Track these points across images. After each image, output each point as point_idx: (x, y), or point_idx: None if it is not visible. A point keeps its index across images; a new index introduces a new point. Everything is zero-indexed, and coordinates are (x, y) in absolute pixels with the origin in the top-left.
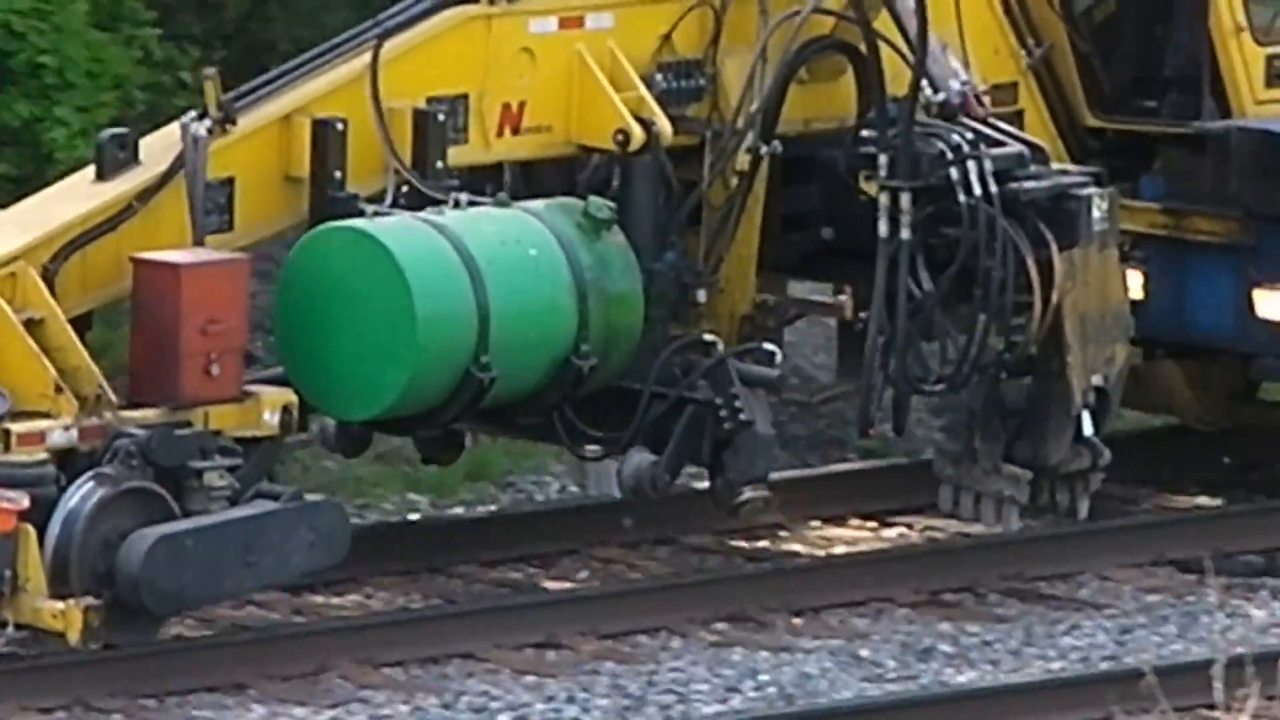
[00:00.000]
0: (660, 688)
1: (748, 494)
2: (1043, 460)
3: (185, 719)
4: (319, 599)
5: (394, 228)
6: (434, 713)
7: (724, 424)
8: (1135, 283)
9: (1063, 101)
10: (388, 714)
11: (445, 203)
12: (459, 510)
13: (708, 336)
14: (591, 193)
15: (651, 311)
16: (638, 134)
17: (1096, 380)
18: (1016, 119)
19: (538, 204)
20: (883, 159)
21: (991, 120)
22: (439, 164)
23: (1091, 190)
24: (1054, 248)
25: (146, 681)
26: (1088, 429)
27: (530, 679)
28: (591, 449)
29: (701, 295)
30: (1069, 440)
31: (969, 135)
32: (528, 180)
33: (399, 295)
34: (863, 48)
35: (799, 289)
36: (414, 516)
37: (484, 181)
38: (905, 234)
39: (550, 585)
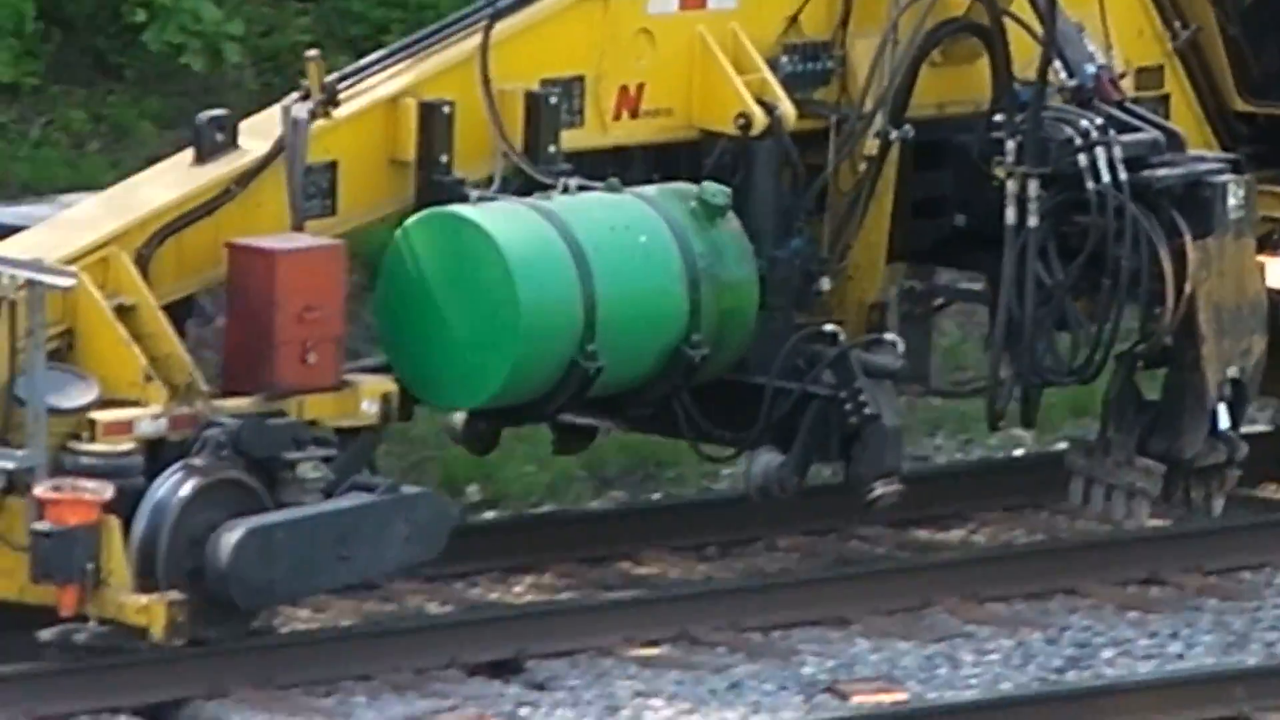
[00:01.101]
0: (1264, 624)
1: (879, 489)
2: (1177, 454)
3: (787, 649)
4: (923, 534)
5: (498, 213)
6: (1037, 647)
7: (849, 418)
8: None
9: (1210, 86)
10: (991, 648)
11: (554, 188)
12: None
13: (828, 327)
14: (717, 177)
15: (773, 300)
16: (760, 118)
17: (1232, 372)
18: (1162, 103)
19: (650, 189)
20: (1010, 144)
21: (1128, 105)
22: (550, 148)
23: (1227, 177)
24: (1188, 236)
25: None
26: (1224, 423)
27: (1133, 614)
28: (717, 448)
29: (826, 283)
30: (1204, 434)
31: (1099, 121)
32: (658, 164)
33: (502, 282)
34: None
35: (947, 275)
36: (1018, 452)
37: (604, 166)
38: (1033, 221)
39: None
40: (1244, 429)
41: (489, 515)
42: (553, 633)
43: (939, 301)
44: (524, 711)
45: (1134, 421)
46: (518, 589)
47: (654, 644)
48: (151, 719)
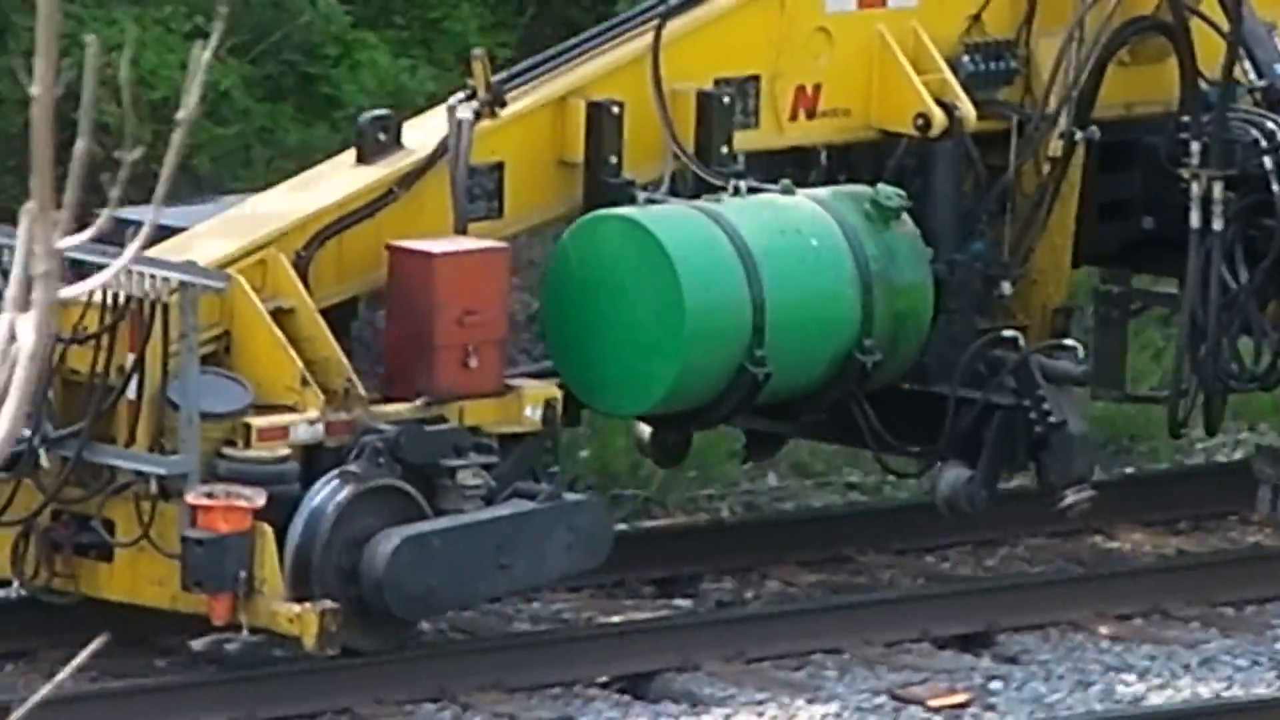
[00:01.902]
0: None
1: (1071, 497)
2: None
3: (1261, 624)
4: None
5: (664, 215)
6: None
7: (1034, 427)
8: None
9: None
10: None
11: (724, 189)
12: None
13: (1009, 332)
14: (898, 180)
15: (952, 304)
16: (939, 118)
17: None
18: None
19: (823, 191)
20: (1195, 146)
21: None
22: (723, 149)
23: None
24: None
25: None
26: None
27: None
28: (902, 460)
29: (1007, 287)
30: None
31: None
32: (842, 165)
33: (668, 285)
34: (1189, 29)
35: (1142, 280)
36: None
37: (781, 167)
38: (1218, 225)
39: None
40: None
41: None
42: (1023, 606)
43: (1135, 306)
44: (994, 685)
45: None
46: (989, 562)
47: (1125, 618)
48: (623, 689)
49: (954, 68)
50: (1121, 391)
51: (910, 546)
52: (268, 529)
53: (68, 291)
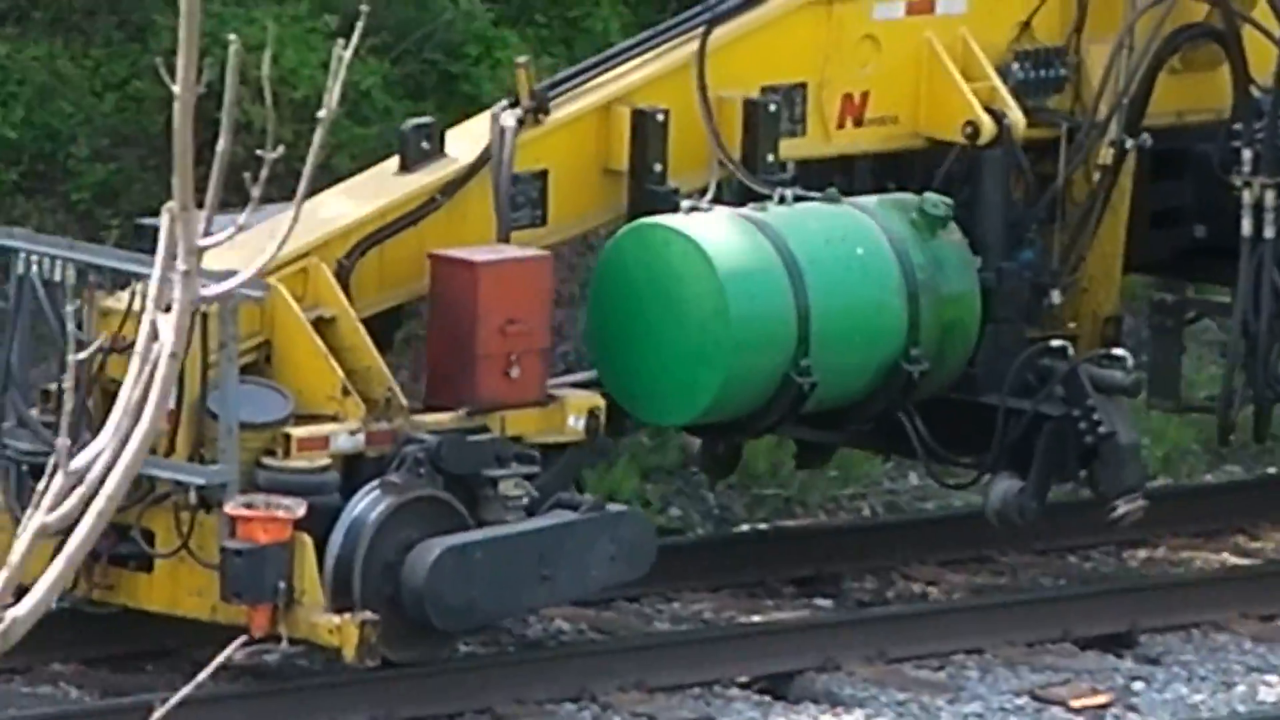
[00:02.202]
0: None
1: (1122, 507)
2: None
3: None
4: None
5: (709, 224)
6: None
7: (1084, 437)
8: None
9: None
10: None
11: (770, 198)
12: None
13: (1058, 342)
14: (947, 188)
15: (1001, 313)
16: (988, 126)
17: None
18: None
19: (869, 200)
20: (1246, 153)
21: None
22: (769, 157)
23: None
24: None
25: None
26: None
27: None
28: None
29: (1056, 296)
30: None
31: None
32: (889, 173)
33: (712, 294)
34: (1240, 35)
35: (1198, 288)
36: None
37: (830, 175)
38: (1269, 233)
39: None
40: None
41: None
42: (1166, 606)
43: (1190, 315)
44: (1136, 686)
45: None
46: (1131, 563)
47: (1269, 619)
48: (763, 689)
49: (1003, 75)
50: (1176, 401)
51: (1052, 546)
52: (307, 539)
53: (208, 292)
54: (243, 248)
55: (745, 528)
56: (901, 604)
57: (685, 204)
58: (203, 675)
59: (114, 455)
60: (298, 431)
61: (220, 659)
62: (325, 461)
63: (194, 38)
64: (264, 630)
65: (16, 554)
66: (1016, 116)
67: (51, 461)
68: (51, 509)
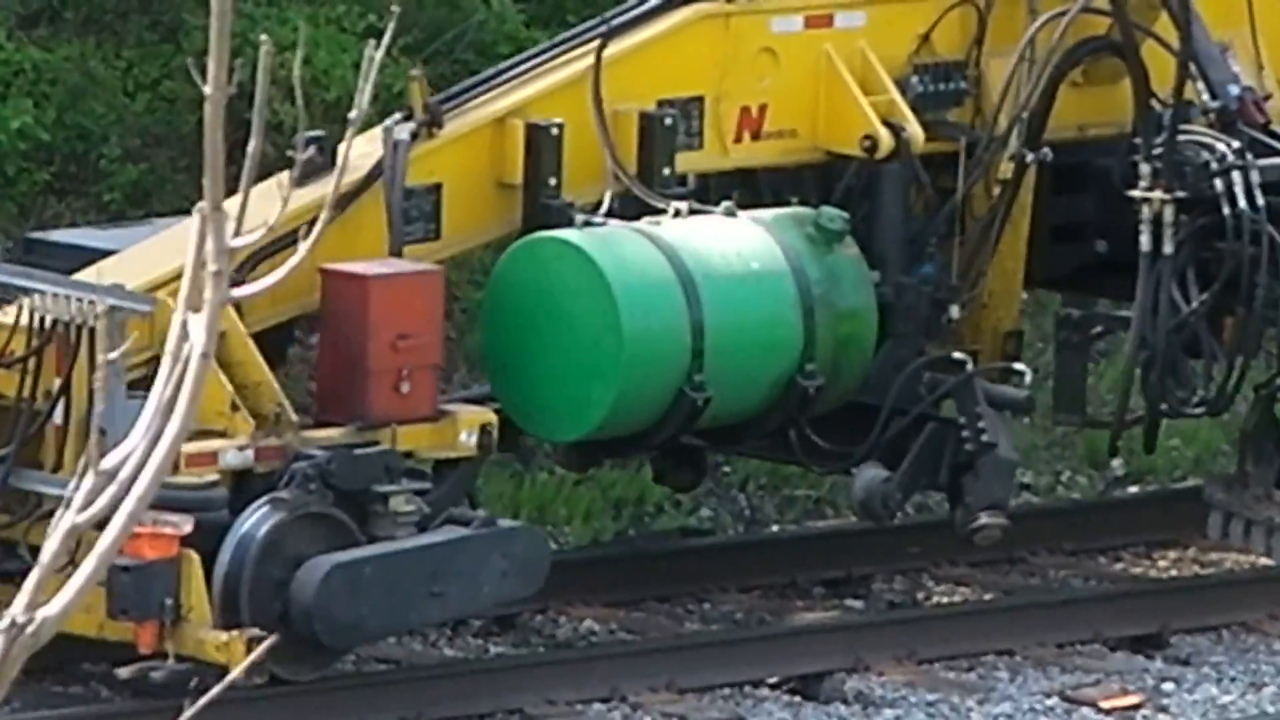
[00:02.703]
0: None
1: (985, 520)
2: None
3: None
4: None
5: (603, 238)
6: None
7: (965, 445)
8: None
9: None
10: None
11: (665, 212)
12: None
13: (957, 355)
14: (846, 201)
15: (900, 328)
16: (886, 140)
17: None
18: None
19: (766, 214)
20: (1145, 168)
21: (1271, 129)
22: (665, 171)
23: None
24: None
25: None
26: None
27: None
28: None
29: (955, 311)
30: None
31: (1236, 145)
32: (790, 187)
33: (605, 309)
34: (1138, 49)
35: (1106, 303)
36: None
37: (728, 189)
38: (1168, 248)
39: None
40: None
41: (1133, 490)
42: (1196, 608)
43: (1097, 330)
44: (1167, 687)
45: (1273, 455)
46: (1162, 563)
47: None
48: (793, 690)
49: (902, 88)
50: (1082, 416)
51: (1082, 547)
52: (195, 556)
53: (239, 292)
54: (133, 262)
55: (775, 529)
56: (931, 605)
57: (579, 218)
58: (235, 674)
59: (145, 455)
60: (186, 447)
61: (253, 657)
62: (214, 477)
63: (225, 38)
64: (151, 647)
65: (47, 554)
66: (915, 130)
67: (82, 461)
68: (82, 509)
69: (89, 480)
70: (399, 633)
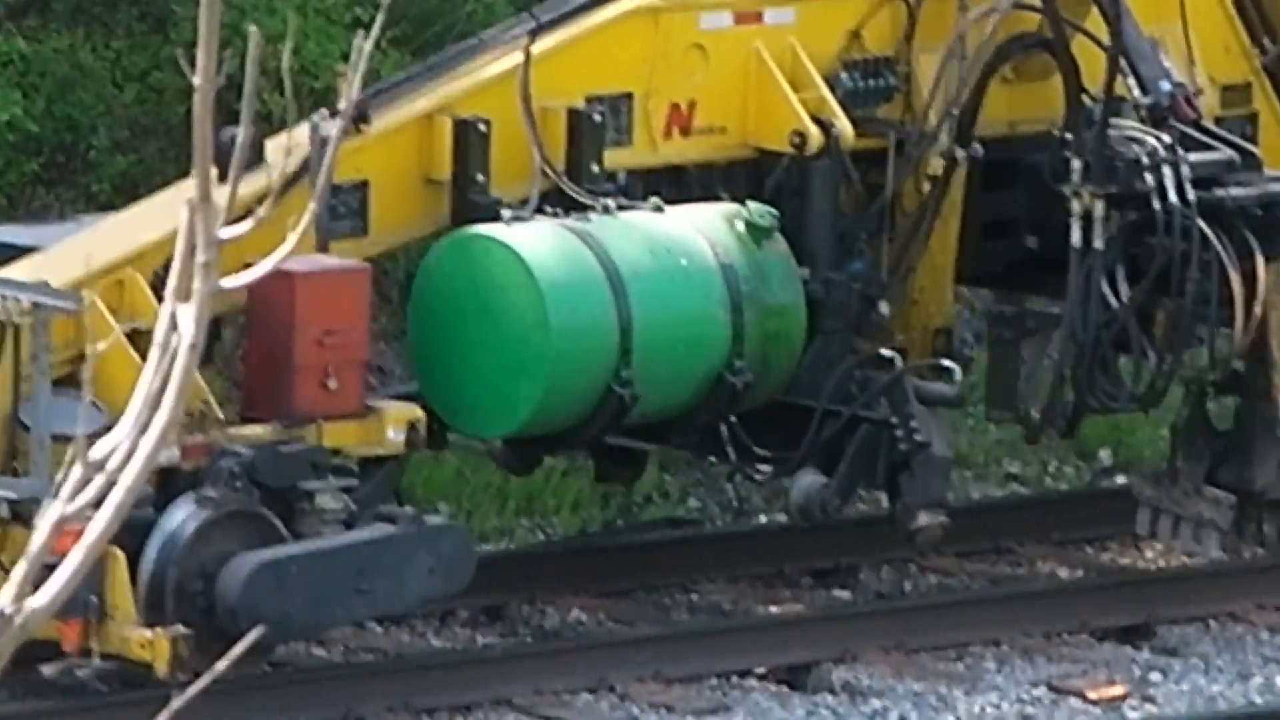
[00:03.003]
0: None
1: (924, 519)
2: (1248, 485)
3: None
4: None
5: (530, 234)
6: None
7: (899, 445)
8: None
9: None
10: None
11: (594, 208)
12: None
13: (885, 352)
14: (776, 198)
15: (829, 324)
16: (815, 136)
17: None
18: (1249, 122)
19: (695, 210)
20: (1076, 164)
21: (1204, 124)
22: (593, 167)
23: None
24: (1260, 258)
25: None
26: None
27: None
28: (762, 469)
29: (885, 308)
30: (1276, 465)
31: (1167, 140)
32: (721, 183)
33: (532, 305)
34: (1069, 45)
35: (1038, 301)
36: None
37: (659, 185)
38: (1098, 243)
39: None
40: None
41: (1121, 480)
42: (1183, 598)
43: (1029, 326)
44: (1154, 677)
45: (1203, 451)
46: (1149, 554)
47: None
48: (781, 679)
49: (832, 85)
50: (1015, 412)
51: (1070, 538)
52: (120, 554)
53: (228, 282)
54: (54, 259)
55: (763, 519)
56: (919, 595)
57: (507, 214)
58: (221, 665)
59: (133, 446)
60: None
61: (240, 647)
62: None
63: (214, 29)
64: (75, 646)
65: (36, 545)
66: (844, 126)
67: (70, 452)
68: (70, 499)
69: (76, 471)
70: (325, 631)
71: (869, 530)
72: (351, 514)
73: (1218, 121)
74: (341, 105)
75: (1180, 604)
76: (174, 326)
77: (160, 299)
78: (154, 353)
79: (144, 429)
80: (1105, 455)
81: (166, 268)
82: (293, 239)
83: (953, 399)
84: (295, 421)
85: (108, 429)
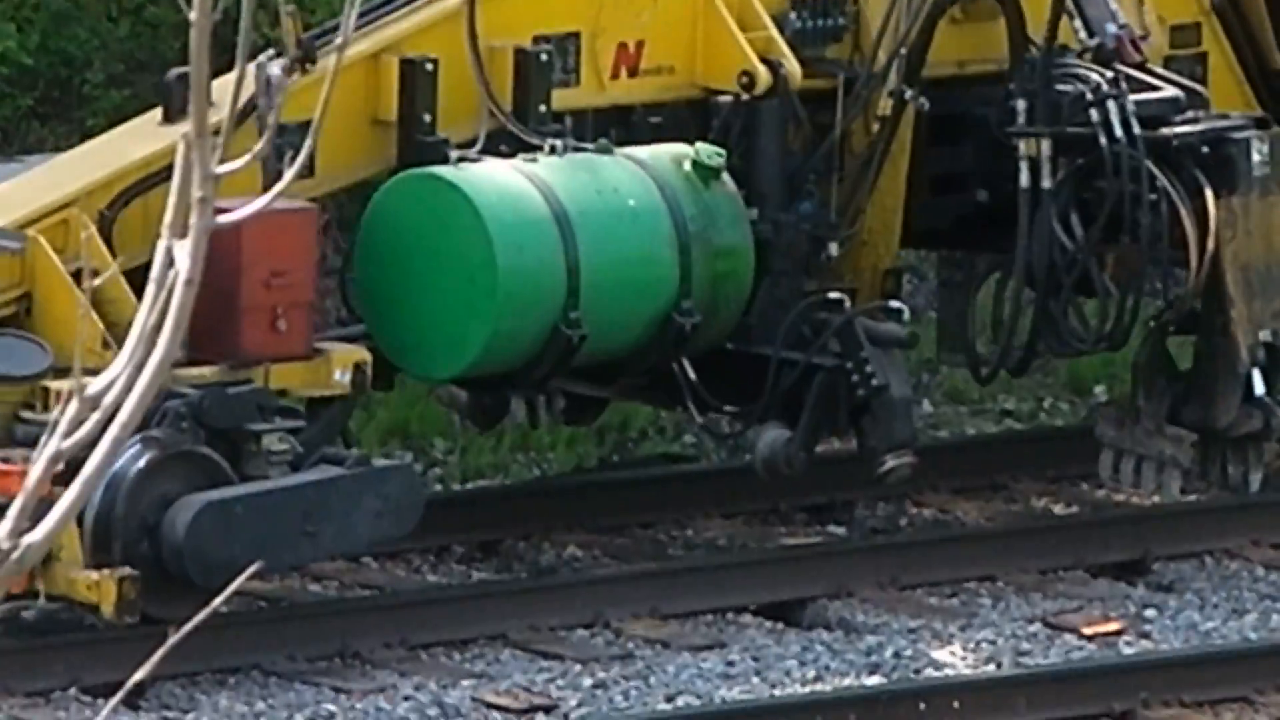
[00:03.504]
0: None
1: (891, 461)
2: (1211, 422)
3: None
4: None
5: (477, 175)
6: None
7: (856, 390)
8: None
9: (1251, 44)
10: None
11: (541, 148)
12: None
13: (833, 295)
14: (724, 139)
15: (778, 265)
16: (763, 77)
17: (1265, 336)
18: (1199, 62)
19: (643, 151)
20: (1021, 104)
21: (1150, 67)
22: (541, 107)
23: (1251, 133)
24: (1210, 194)
25: None
26: (1259, 389)
27: None
28: (725, 423)
29: (834, 249)
30: (1238, 401)
31: (1110, 75)
32: (669, 124)
33: (480, 246)
34: None
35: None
36: None
37: (609, 126)
38: (1047, 183)
39: None
40: None
41: None
42: (1179, 534)
43: (979, 270)
44: (1149, 613)
45: (1164, 390)
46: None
47: None
48: (775, 616)
49: (780, 24)
50: (965, 355)
51: (1065, 474)
52: (65, 494)
53: (224, 219)
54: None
55: None
56: (914, 531)
57: (454, 155)
58: (218, 601)
59: (129, 382)
60: (57, 385)
61: (236, 584)
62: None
63: None
64: (21, 587)
65: (32, 480)
66: (793, 67)
67: (67, 388)
68: (66, 436)
69: (73, 407)
70: (271, 573)
71: (864, 466)
72: (298, 456)
73: (1167, 61)
74: (288, 45)
75: (1176, 540)
76: (170, 263)
77: (106, 239)
78: (150, 288)
79: (140, 365)
80: (1100, 391)
81: (111, 207)
82: (289, 175)
83: (904, 340)
84: (242, 363)
85: (53, 370)
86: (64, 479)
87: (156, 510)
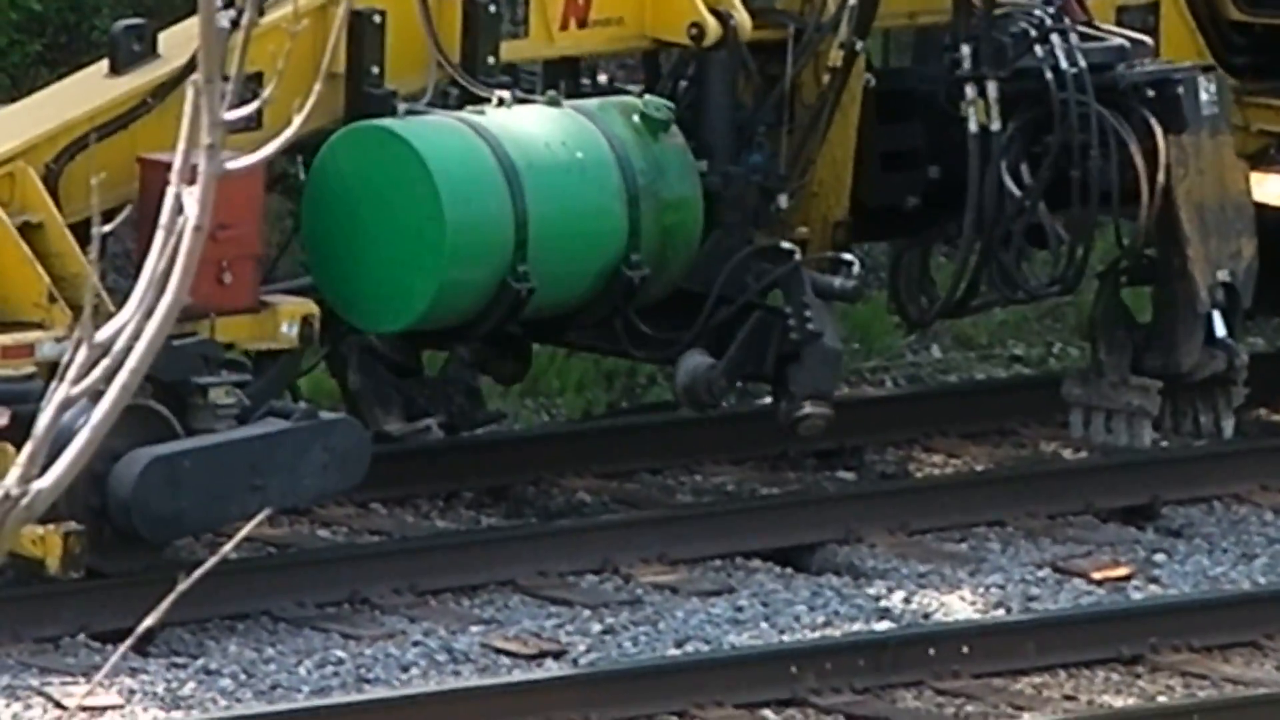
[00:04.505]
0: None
1: (808, 409)
2: (1175, 368)
3: None
4: None
5: (424, 127)
6: None
7: (791, 335)
8: None
9: None
10: None
11: (489, 101)
12: None
13: (785, 245)
14: (673, 90)
15: (728, 217)
16: (713, 28)
17: (1223, 276)
18: (1151, 13)
19: (591, 103)
20: (965, 50)
21: (1094, 24)
22: (489, 59)
23: (1197, 74)
24: (1159, 133)
25: None
26: (1220, 330)
27: None
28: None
29: (784, 200)
30: (1200, 343)
31: (1053, 11)
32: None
33: (427, 199)
34: None
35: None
36: None
37: (555, 78)
38: (995, 125)
39: None
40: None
41: None
42: (1188, 479)
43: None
44: (1158, 558)
45: (1124, 340)
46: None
47: None
48: (784, 561)
49: None
50: (918, 306)
51: None
52: (10, 449)
53: (232, 165)
54: None
55: (768, 400)
56: (923, 477)
57: (402, 107)
58: (227, 548)
59: (138, 328)
60: (1, 339)
61: (245, 531)
62: (30, 370)
63: None
64: None
65: (41, 426)
66: (742, 17)
67: (76, 334)
68: (76, 382)
69: (82, 353)
70: (218, 526)
71: (873, 411)
72: (245, 409)
73: (1120, 11)
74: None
75: (1184, 485)
76: (179, 209)
77: (52, 191)
78: (159, 235)
79: (149, 312)
80: None
81: (58, 160)
82: (298, 121)
83: (850, 293)
84: (188, 316)
85: (0, 325)
86: (9, 434)
87: (103, 464)
